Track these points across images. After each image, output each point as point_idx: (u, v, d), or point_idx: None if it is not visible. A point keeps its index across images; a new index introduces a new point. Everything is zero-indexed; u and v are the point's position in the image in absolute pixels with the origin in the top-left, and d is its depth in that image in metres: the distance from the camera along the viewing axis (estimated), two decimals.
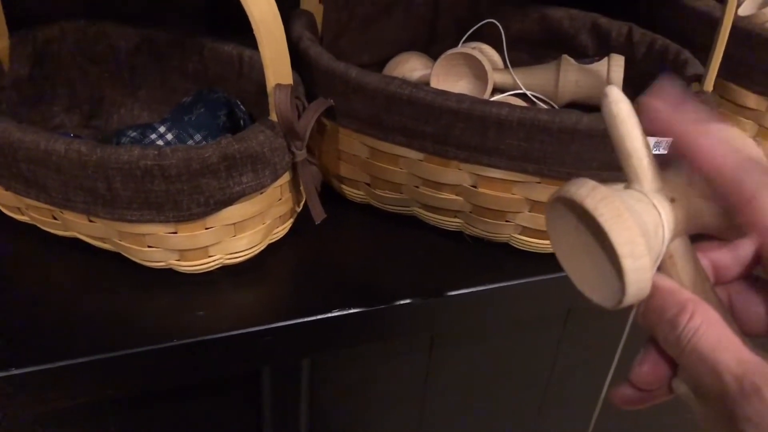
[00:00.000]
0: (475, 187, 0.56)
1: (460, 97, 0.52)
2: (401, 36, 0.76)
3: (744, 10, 0.74)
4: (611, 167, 0.53)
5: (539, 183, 0.54)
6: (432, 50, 0.74)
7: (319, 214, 0.57)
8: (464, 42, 0.73)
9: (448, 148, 0.54)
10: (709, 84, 0.55)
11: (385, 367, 0.66)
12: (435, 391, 0.70)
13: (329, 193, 0.64)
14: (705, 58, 0.67)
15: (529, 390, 0.76)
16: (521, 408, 0.78)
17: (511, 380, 0.74)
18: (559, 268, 0.59)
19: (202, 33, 0.65)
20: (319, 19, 0.67)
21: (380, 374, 0.66)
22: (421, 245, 0.61)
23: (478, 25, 0.72)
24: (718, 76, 0.73)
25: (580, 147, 0.51)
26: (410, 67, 0.73)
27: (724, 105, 0.74)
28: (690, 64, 0.61)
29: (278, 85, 0.50)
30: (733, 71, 0.72)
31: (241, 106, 0.61)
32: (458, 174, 0.56)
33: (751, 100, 0.71)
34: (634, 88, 0.67)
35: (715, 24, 0.71)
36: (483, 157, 0.54)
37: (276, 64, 0.50)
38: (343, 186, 0.63)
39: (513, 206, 0.56)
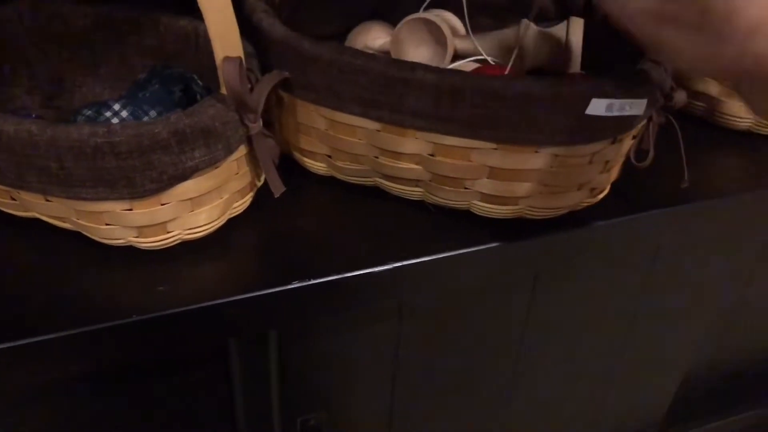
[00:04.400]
0: (433, 155, 0.56)
1: (413, 66, 0.52)
2: (363, 5, 0.75)
3: None
4: (566, 131, 0.53)
5: (496, 149, 0.54)
6: (395, 18, 0.73)
7: (277, 188, 0.57)
8: (425, 8, 0.72)
9: (404, 117, 0.54)
10: None
11: (355, 336, 0.66)
12: (407, 358, 0.70)
13: (291, 166, 0.64)
14: None
15: (501, 355, 0.77)
16: (495, 374, 0.79)
17: (484, 345, 0.74)
18: (523, 235, 0.59)
19: (158, 8, 0.65)
20: None
21: (351, 344, 0.67)
22: (384, 215, 0.62)
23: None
24: None
25: (535, 112, 0.51)
26: (372, 36, 0.72)
27: None
28: None
29: (226, 58, 0.50)
30: None
31: (198, 81, 0.61)
32: (416, 143, 0.56)
33: None
34: (595, 50, 0.66)
35: None
36: (439, 125, 0.54)
37: (223, 37, 0.49)
38: (305, 158, 0.63)
39: (471, 173, 0.56)
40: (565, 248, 0.63)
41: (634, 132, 0.58)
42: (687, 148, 0.73)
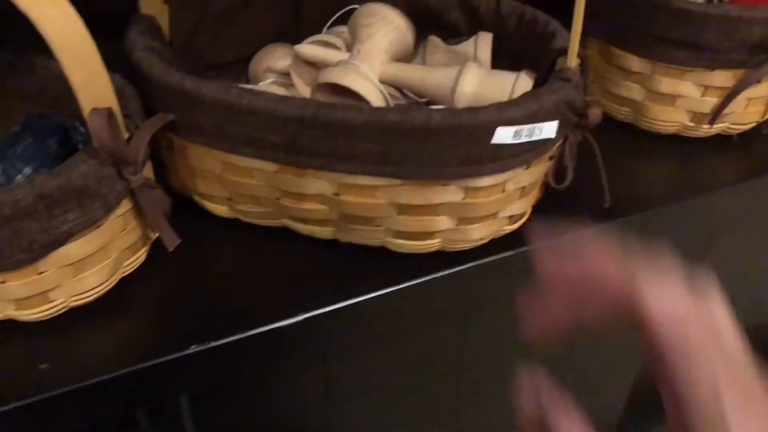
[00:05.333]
0: (337, 195, 0.52)
1: (304, 103, 0.48)
2: (265, 28, 0.70)
3: None
4: (474, 162, 0.49)
5: (403, 185, 0.50)
6: (299, 40, 0.69)
7: (171, 241, 0.52)
8: (329, 28, 0.68)
9: (300, 157, 0.50)
10: (572, 58, 0.52)
11: (278, 388, 0.62)
12: (337, 405, 0.66)
13: (193, 209, 0.60)
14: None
15: (439, 388, 0.73)
16: (433, 409, 0.75)
17: (420, 381, 0.71)
18: (444, 267, 0.55)
19: (35, 51, 0.59)
20: (164, 22, 0.62)
21: (275, 395, 0.62)
22: (295, 258, 0.57)
23: (342, 11, 0.67)
24: (602, 41, 0.71)
25: (436, 145, 0.48)
26: (276, 59, 0.68)
27: (610, 71, 0.71)
28: (558, 35, 0.57)
29: (93, 110, 0.45)
30: (615, 35, 0.69)
31: (81, 128, 0.56)
32: (318, 183, 0.52)
33: (635, 63, 0.68)
34: (506, 63, 0.63)
35: None
36: (338, 163, 0.50)
37: (88, 87, 0.45)
38: (205, 202, 0.58)
39: (380, 211, 0.52)
40: (490, 277, 0.59)
41: (550, 153, 0.55)
42: (613, 155, 0.71)
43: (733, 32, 0.62)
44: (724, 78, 0.65)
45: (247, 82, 0.71)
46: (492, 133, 0.48)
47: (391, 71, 0.59)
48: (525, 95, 0.50)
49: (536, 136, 0.50)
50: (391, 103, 0.59)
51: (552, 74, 0.52)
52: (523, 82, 0.55)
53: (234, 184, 0.55)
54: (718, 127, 0.70)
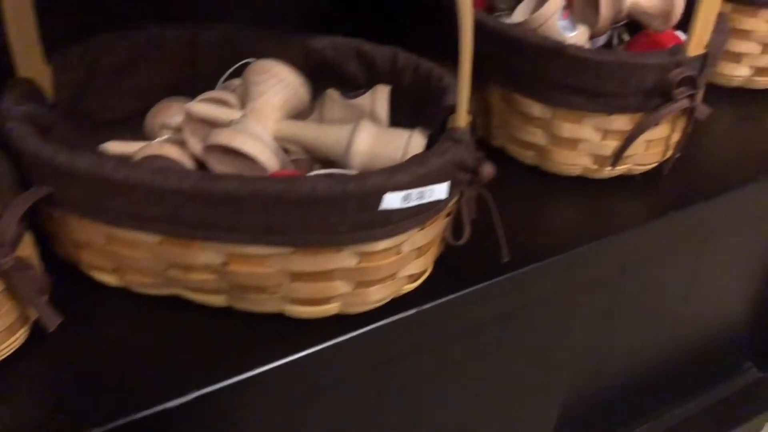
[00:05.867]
0: (226, 264, 0.50)
1: (183, 175, 0.46)
2: (161, 81, 0.68)
3: (517, 16, 0.71)
4: (365, 228, 0.48)
5: (294, 253, 0.49)
6: (198, 92, 0.67)
7: (51, 321, 0.49)
8: (225, 81, 0.66)
9: (184, 229, 0.48)
10: (461, 117, 0.51)
11: None
12: None
13: (81, 280, 0.57)
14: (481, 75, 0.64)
15: None
16: None
17: None
18: (346, 331, 0.53)
19: None
20: (47, 82, 0.59)
21: None
22: (190, 328, 0.55)
23: (237, 65, 0.65)
24: (503, 87, 0.70)
25: (324, 213, 0.46)
26: (171, 114, 0.66)
27: (513, 116, 0.71)
28: (449, 91, 0.57)
29: None
30: (515, 82, 0.69)
31: None
32: (205, 254, 0.50)
33: (536, 109, 0.68)
34: (406, 115, 0.62)
35: (488, 34, 0.68)
36: (223, 234, 0.48)
37: None
38: (93, 272, 0.56)
39: (272, 280, 0.51)
40: (393, 336, 0.58)
41: (446, 211, 0.54)
42: (521, 199, 0.71)
43: (628, 78, 0.62)
44: (622, 122, 0.66)
45: (144, 137, 0.69)
46: (380, 200, 0.46)
47: (284, 130, 0.58)
48: (413, 159, 0.49)
49: (427, 198, 0.49)
50: (287, 162, 0.58)
51: (443, 134, 0.52)
52: (417, 141, 0.54)
53: (119, 256, 0.52)
54: (621, 169, 0.71)
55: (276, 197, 0.45)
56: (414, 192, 0.48)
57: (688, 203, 0.70)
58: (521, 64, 0.66)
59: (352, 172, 0.55)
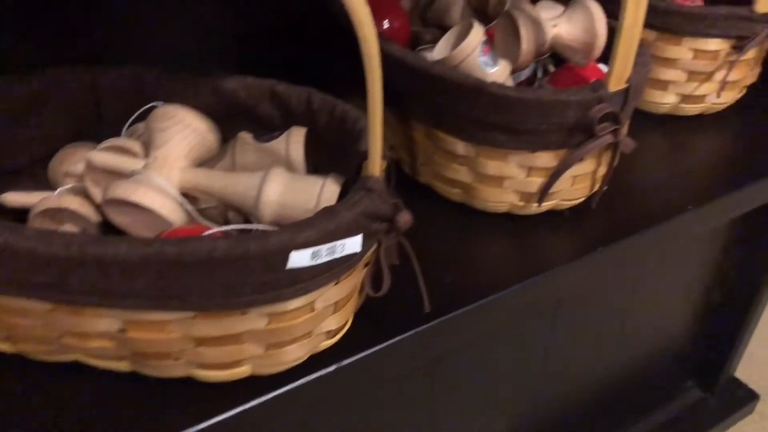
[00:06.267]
0: (124, 331, 0.46)
1: (68, 240, 0.42)
2: (63, 127, 0.64)
3: (438, 52, 0.69)
4: (271, 288, 0.45)
5: (195, 318, 0.45)
6: (103, 138, 0.63)
7: None
8: (131, 126, 0.63)
9: (75, 297, 0.44)
10: (374, 165, 0.49)
11: None
12: None
13: None
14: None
15: None
16: None
17: None
18: (260, 393, 0.50)
19: None
20: None
21: None
22: (94, 396, 0.51)
23: (142, 109, 0.62)
24: (427, 124, 0.68)
25: (225, 275, 0.43)
26: (74, 162, 0.62)
27: (438, 153, 0.69)
28: (364, 136, 0.54)
29: None
30: (439, 120, 0.67)
31: None
32: (100, 321, 0.46)
33: (460, 147, 0.66)
34: (324, 159, 0.60)
35: (409, 71, 0.66)
36: (117, 301, 0.44)
37: None
38: None
39: (176, 345, 0.47)
40: (312, 395, 0.55)
41: (365, 261, 0.52)
42: (449, 238, 0.69)
43: (549, 116, 0.61)
44: (546, 159, 0.64)
45: (49, 186, 0.64)
46: (286, 259, 0.44)
47: (190, 179, 0.55)
48: (321, 213, 0.46)
49: (339, 253, 0.46)
50: (195, 214, 0.54)
51: (356, 183, 0.49)
52: (330, 189, 0.52)
53: (8, 324, 0.48)
54: (548, 204, 0.69)
55: (171, 261, 0.42)
56: (323, 248, 0.45)
57: (617, 238, 0.69)
58: (443, 102, 0.64)
59: (262, 226, 0.51)
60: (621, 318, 1.04)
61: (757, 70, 0.91)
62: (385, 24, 0.76)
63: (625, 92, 0.63)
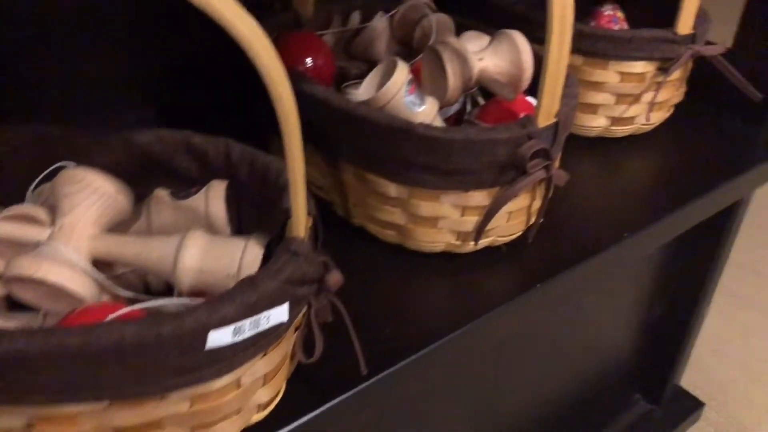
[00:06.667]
0: (32, 427, 0.42)
1: None
2: None
3: (363, 92, 0.67)
4: (191, 371, 0.41)
5: (110, 407, 0.42)
6: (6, 200, 0.59)
7: None
8: (36, 188, 0.58)
9: None
10: (298, 226, 0.46)
11: None
12: None
13: None
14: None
15: None
16: None
17: None
18: None
19: None
20: None
21: None
22: None
23: (48, 170, 0.57)
24: (356, 166, 0.66)
25: (136, 362, 0.39)
26: None
27: (370, 196, 0.66)
28: (288, 192, 0.51)
29: None
30: (368, 161, 0.64)
31: None
32: (2, 418, 0.42)
33: (392, 189, 0.64)
34: (249, 215, 0.57)
35: (334, 112, 0.63)
36: (20, 396, 0.40)
37: None
38: None
39: None
40: None
41: (294, 326, 0.48)
42: (385, 283, 0.66)
43: (479, 155, 0.59)
44: (479, 198, 0.62)
45: None
46: (204, 339, 0.40)
47: (102, 248, 0.51)
48: (241, 285, 0.42)
49: (264, 325, 0.43)
50: (107, 285, 0.50)
51: (280, 243, 0.46)
52: (253, 251, 0.48)
53: None
54: (485, 242, 0.67)
55: (74, 353, 0.38)
56: (246, 322, 0.42)
57: (555, 272, 0.67)
58: (371, 144, 0.62)
59: (176, 301, 0.48)
60: (565, 340, 1.03)
61: (683, 90, 0.92)
62: (308, 62, 0.73)
63: (555, 127, 0.62)
